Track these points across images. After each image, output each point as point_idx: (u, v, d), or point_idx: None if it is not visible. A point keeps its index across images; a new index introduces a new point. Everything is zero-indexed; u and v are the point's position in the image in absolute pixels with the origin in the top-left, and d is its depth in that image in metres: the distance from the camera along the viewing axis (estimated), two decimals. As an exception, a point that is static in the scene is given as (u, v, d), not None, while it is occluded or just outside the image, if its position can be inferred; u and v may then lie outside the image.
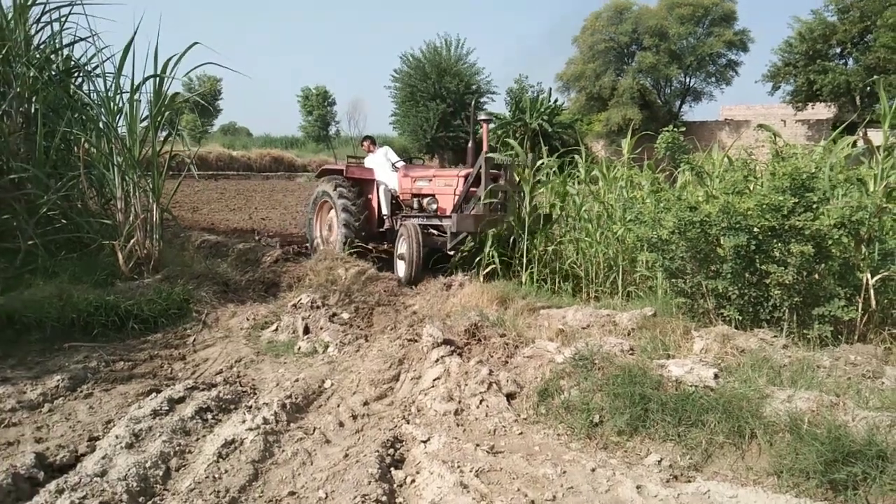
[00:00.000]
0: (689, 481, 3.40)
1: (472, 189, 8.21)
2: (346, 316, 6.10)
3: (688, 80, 43.29)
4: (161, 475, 3.42)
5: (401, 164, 10.10)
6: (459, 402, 4.22)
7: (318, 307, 6.18)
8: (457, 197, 8.42)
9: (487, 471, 3.40)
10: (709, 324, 5.67)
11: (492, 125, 45.19)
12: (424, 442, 3.76)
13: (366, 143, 10.88)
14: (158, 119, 7.05)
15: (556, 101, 42.37)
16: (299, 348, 5.54)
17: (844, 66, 32.75)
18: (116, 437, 3.72)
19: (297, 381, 4.76)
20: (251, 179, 34.63)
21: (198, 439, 3.89)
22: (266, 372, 5.18)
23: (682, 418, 3.67)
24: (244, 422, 3.93)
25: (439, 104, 42.04)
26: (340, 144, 50.16)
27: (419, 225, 8.68)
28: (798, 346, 5.11)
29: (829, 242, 4.82)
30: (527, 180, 7.75)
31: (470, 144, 8.93)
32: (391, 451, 3.69)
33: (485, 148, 8.29)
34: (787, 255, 4.90)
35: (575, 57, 44.25)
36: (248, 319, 6.24)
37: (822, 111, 37.01)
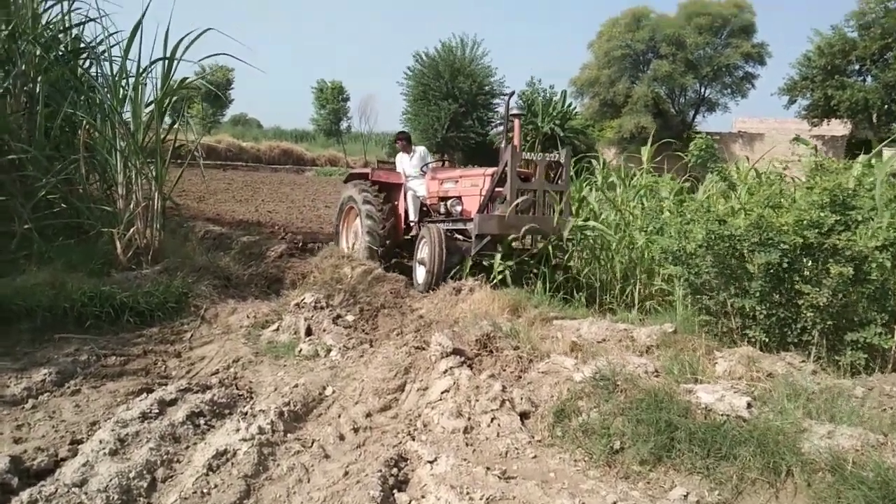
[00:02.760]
0: (719, 521, 3.12)
1: (497, 189, 7.44)
2: (350, 318, 5.83)
3: (703, 90, 42.89)
4: (146, 487, 3.15)
5: (431, 165, 9.40)
6: (469, 418, 3.94)
7: (321, 308, 5.91)
8: (482, 197, 7.70)
9: (499, 499, 3.12)
10: (732, 344, 5.38)
11: (501, 128, 45.05)
12: (431, 462, 3.49)
13: (401, 142, 9.73)
14: (165, 104, 6.79)
15: (570, 104, 42.03)
16: (300, 350, 5.28)
17: (863, 83, 32.32)
18: (100, 441, 3.46)
19: (296, 386, 4.49)
20: (259, 171, 34.46)
21: (188, 447, 3.62)
22: (264, 374, 4.91)
23: (711, 450, 3.38)
24: (238, 430, 3.66)
25: (451, 104, 41.66)
26: (350, 140, 50.01)
27: (444, 230, 7.98)
28: (828, 372, 4.82)
29: (871, 265, 4.52)
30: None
31: (503, 144, 7.81)
32: (394, 470, 3.41)
33: (516, 142, 7.51)
34: (823, 276, 4.61)
35: (589, 62, 43.90)
36: (248, 317, 5.97)
37: (837, 128, 36.55)
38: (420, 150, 9.60)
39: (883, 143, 8.51)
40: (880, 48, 30.70)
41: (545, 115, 40.53)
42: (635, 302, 6.81)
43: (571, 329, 5.70)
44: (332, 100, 50.84)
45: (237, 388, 4.57)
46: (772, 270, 4.90)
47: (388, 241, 8.64)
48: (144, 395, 4.23)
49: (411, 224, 8.86)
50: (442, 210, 8.37)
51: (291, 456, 3.56)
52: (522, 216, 7.06)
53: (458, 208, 8.04)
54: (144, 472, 3.23)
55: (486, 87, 44.10)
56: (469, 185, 8.08)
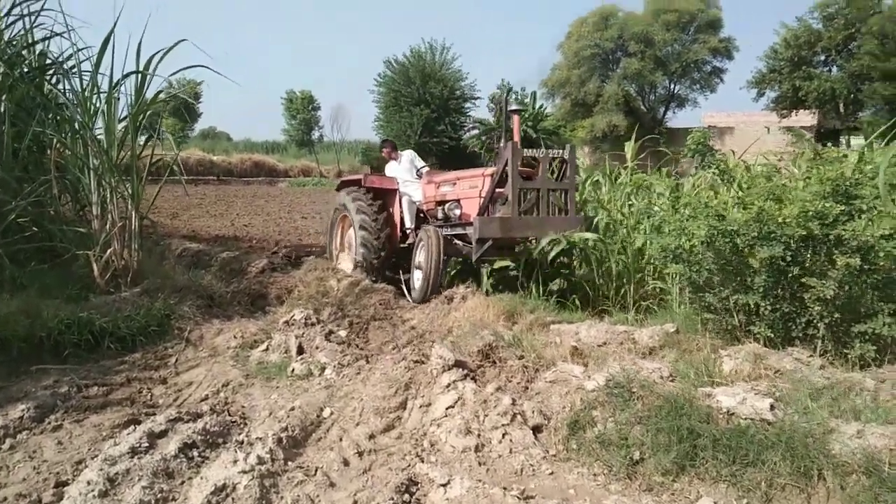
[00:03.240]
0: (752, 532, 2.97)
1: (498, 190, 6.93)
2: (343, 334, 5.62)
3: (672, 86, 43.29)
4: (140, 531, 2.92)
5: (426, 169, 9.00)
6: (479, 435, 3.75)
7: (312, 324, 5.69)
8: (482, 199, 7.17)
9: (521, 522, 2.94)
10: (735, 341, 5.26)
11: (475, 132, 45.03)
12: (444, 485, 3.29)
13: (385, 150, 9.49)
14: (139, 119, 6.52)
15: (541, 106, 42.13)
16: (293, 370, 5.05)
17: (829, 74, 32.82)
18: (88, 482, 3.21)
19: (292, 409, 4.26)
20: (231, 185, 33.98)
21: (182, 483, 3.39)
22: (257, 398, 4.68)
23: (737, 456, 3.23)
24: (236, 462, 3.43)
25: (423, 109, 41.64)
26: (323, 149, 49.66)
27: (443, 236, 7.50)
28: (836, 366, 4.72)
29: (878, 255, 4.42)
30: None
31: (502, 140, 7.40)
32: (406, 496, 3.22)
33: (516, 139, 7.08)
34: (828, 268, 4.50)
35: (560, 63, 44.09)
36: (235, 337, 5.72)
37: (806, 118, 37.04)
38: (407, 153, 9.23)
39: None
40: (844, 38, 31.23)
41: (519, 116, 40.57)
42: (630, 303, 6.68)
43: (570, 333, 5.54)
44: (303, 109, 50.60)
45: (229, 415, 4.33)
46: (775, 265, 4.79)
47: (383, 253, 8.18)
48: (132, 427, 3.97)
49: (408, 231, 8.40)
50: (440, 215, 7.89)
51: (295, 486, 3.35)
52: (527, 218, 6.65)
53: (457, 212, 7.55)
54: (138, 514, 2.99)
55: (458, 92, 44.18)
56: (467, 188, 7.61)
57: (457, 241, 7.50)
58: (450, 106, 43.14)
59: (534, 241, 6.99)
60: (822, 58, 33.62)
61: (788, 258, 4.72)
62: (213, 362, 5.32)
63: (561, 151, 6.87)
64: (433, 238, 7.00)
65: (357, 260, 8.16)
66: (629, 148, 8.81)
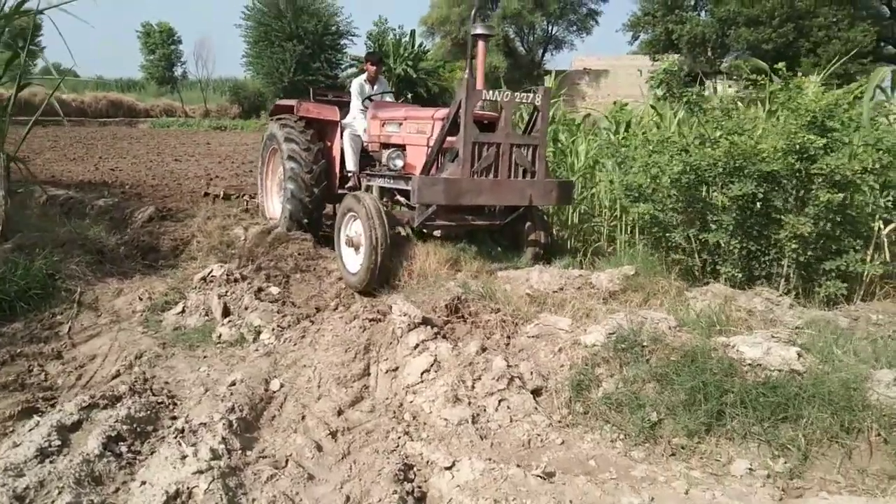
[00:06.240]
0: (800, 496, 2.68)
1: (449, 138, 5.30)
2: (275, 291, 4.88)
3: (550, 28, 43.53)
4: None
5: (378, 98, 6.98)
6: (469, 403, 3.25)
7: (235, 280, 4.88)
8: (429, 150, 5.48)
9: (556, 508, 2.49)
10: (697, 283, 5.06)
11: (353, 69, 43.14)
12: (449, 468, 2.78)
13: (369, 65, 7.18)
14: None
15: (420, 45, 41.03)
16: (220, 336, 4.30)
17: (699, 18, 34.07)
18: (-12, 505, 2.42)
19: (233, 384, 3.56)
20: (86, 126, 30.75)
21: (117, 490, 2.68)
22: (183, 371, 3.92)
23: (771, 412, 2.93)
24: (184, 458, 2.73)
25: (296, 45, 39.40)
26: (187, 87, 46.16)
27: (381, 188, 6.04)
28: (804, 305, 4.60)
29: (857, 189, 4.26)
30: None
31: (466, 73, 5.28)
32: (406, 485, 2.67)
33: (479, 77, 5.38)
34: (809, 204, 4.31)
35: (439, 0, 43.03)
36: (140, 299, 4.84)
37: (676, 62, 38.50)
38: (383, 81, 7.35)
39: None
40: (714, -18, 32.35)
41: (397, 55, 39.34)
42: (569, 246, 6.35)
43: (520, 280, 5.12)
44: (162, 44, 46.73)
45: (153, 394, 3.55)
46: (745, 202, 4.56)
47: (316, 190, 6.63)
48: (32, 419, 3.14)
49: (348, 174, 6.78)
50: (384, 160, 6.19)
51: (265, 484, 2.71)
52: (481, 180, 5.14)
53: (399, 162, 5.81)
54: (69, 542, 2.27)
55: (333, 27, 42.17)
56: (414, 131, 5.93)
57: (400, 199, 6.10)
58: (325, 42, 41.04)
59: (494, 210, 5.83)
60: (693, 2, 34.80)
61: (760, 195, 4.50)
62: (118, 329, 4.45)
63: (531, 95, 5.31)
64: (372, 208, 5.26)
65: (286, 197, 6.69)
66: (550, 82, 8.42)
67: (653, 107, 6.91)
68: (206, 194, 9.20)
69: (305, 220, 6.69)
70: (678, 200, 4.79)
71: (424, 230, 5.91)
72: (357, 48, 45.15)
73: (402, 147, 5.99)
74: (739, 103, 6.35)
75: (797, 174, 4.29)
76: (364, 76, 7.12)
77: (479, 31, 5.44)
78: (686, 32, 32.39)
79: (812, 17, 30.35)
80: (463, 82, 5.04)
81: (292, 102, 7.14)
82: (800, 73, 4.80)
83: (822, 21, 30.17)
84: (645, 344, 3.31)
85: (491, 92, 5.24)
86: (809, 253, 4.46)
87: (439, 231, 6.03)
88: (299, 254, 6.30)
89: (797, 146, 4.08)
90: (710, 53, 33.64)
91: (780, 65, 4.68)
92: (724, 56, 33.60)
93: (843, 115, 4.44)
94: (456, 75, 42.47)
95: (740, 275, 4.74)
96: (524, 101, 5.35)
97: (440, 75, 40.02)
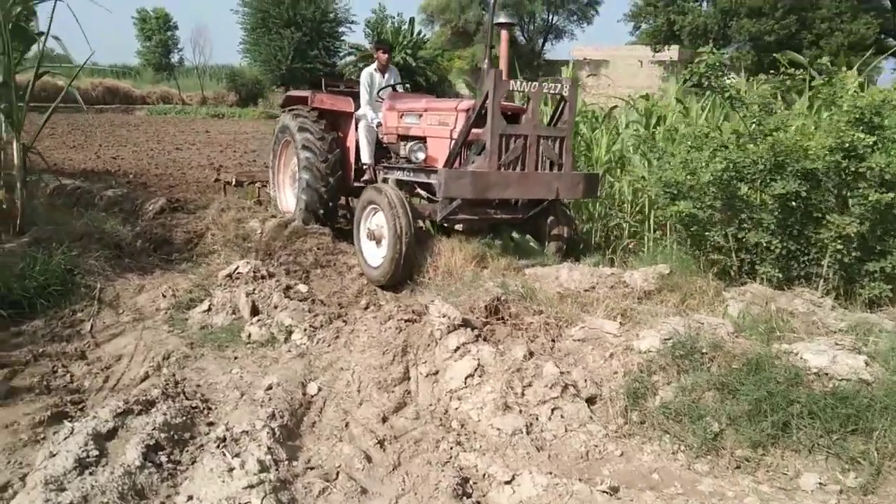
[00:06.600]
0: (877, 514, 2.58)
1: (475, 131, 5.20)
2: (303, 289, 4.73)
3: (550, 17, 43.26)
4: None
5: (390, 90, 6.81)
6: (521, 412, 3.13)
7: (263, 277, 4.73)
8: (453, 142, 5.37)
9: (629, 528, 2.37)
10: (734, 283, 4.93)
11: (351, 57, 42.83)
12: (509, 483, 2.66)
13: (380, 53, 6.93)
14: (13, 15, 5.02)
15: (419, 32, 40.71)
16: (250, 336, 4.16)
17: (701, 8, 33.85)
18: (31, 523, 2.29)
19: (270, 388, 3.43)
20: (83, 113, 30.39)
21: (162, 505, 2.53)
22: (214, 373, 3.78)
23: (840, 424, 2.81)
24: (232, 471, 2.60)
25: (294, 32, 39.02)
26: (183, 74, 45.74)
27: (399, 181, 5.89)
28: (845, 307, 4.49)
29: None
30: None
31: (486, 63, 5.42)
32: (465, 500, 2.55)
33: (504, 67, 5.27)
34: (853, 204, 4.19)
35: (439, -14, 42.68)
36: (164, 296, 4.69)
37: (676, 54, 38.23)
38: (395, 71, 7.09)
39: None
40: (715, -27, 32.11)
41: (396, 44, 39.03)
42: (600, 245, 6.22)
43: (550, 278, 5.02)
44: (158, 30, 46.29)
45: (186, 398, 3.42)
46: (788, 201, 4.44)
47: (332, 180, 6.45)
48: (63, 426, 3.00)
49: (364, 167, 6.60)
50: (402, 153, 6.09)
51: (317, 498, 2.59)
52: (508, 173, 5.03)
53: (421, 155, 5.71)
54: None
55: (331, 14, 41.81)
56: (436, 123, 5.77)
57: (421, 193, 6.00)
58: (323, 29, 40.67)
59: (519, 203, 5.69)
60: (695, -7, 34.54)
61: (803, 193, 4.38)
62: (142, 328, 4.31)
63: (559, 86, 5.21)
64: (395, 200, 5.13)
65: (301, 187, 6.54)
66: (566, 71, 8.25)
67: (678, 100, 6.78)
68: (217, 180, 8.99)
69: (321, 211, 6.56)
70: (716, 198, 4.66)
71: (446, 224, 5.81)
72: (356, 36, 44.80)
73: (422, 139, 5.85)
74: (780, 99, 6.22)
75: (842, 172, 4.17)
76: (374, 65, 6.91)
77: (501, 19, 5.36)
78: (688, 23, 32.17)
79: (815, 8, 30.20)
80: (490, 73, 4.92)
81: (305, 93, 6.98)
82: (843, 69, 4.66)
83: (825, 13, 30.00)
84: (704, 351, 3.19)
85: (518, 83, 5.16)
86: (854, 254, 4.35)
87: (461, 225, 5.98)
88: (318, 248, 6.15)
89: (846, 144, 3.95)
90: (711, 44, 33.41)
91: (824, 59, 4.55)
92: (724, 48, 33.39)
93: (893, 112, 4.31)
94: (455, 64, 42.26)
95: (780, 275, 4.63)
96: (552, 91, 5.25)
97: (439, 64, 39.75)
